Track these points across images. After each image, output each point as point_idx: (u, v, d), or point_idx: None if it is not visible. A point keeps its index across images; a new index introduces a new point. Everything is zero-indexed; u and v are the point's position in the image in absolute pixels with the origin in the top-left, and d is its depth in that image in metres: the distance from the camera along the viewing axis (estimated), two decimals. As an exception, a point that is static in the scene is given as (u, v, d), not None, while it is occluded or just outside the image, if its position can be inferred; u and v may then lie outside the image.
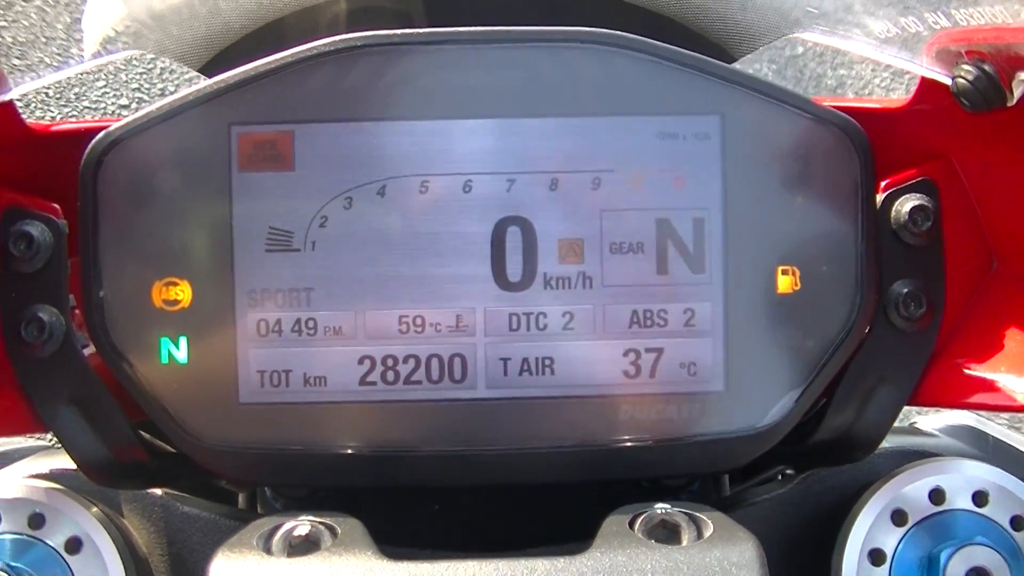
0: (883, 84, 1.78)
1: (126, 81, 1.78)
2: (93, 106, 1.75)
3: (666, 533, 0.60)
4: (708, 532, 0.59)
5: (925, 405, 0.68)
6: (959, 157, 0.67)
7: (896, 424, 0.69)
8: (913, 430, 0.81)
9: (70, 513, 0.67)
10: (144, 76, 1.78)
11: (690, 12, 0.75)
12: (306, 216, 0.64)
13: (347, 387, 0.65)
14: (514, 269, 0.64)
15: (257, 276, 0.65)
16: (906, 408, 0.69)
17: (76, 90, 1.70)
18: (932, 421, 0.86)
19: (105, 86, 1.77)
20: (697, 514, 0.61)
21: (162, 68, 1.79)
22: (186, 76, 1.83)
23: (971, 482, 0.67)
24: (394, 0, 0.76)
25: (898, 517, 0.67)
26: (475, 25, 0.64)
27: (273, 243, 0.64)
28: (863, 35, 0.63)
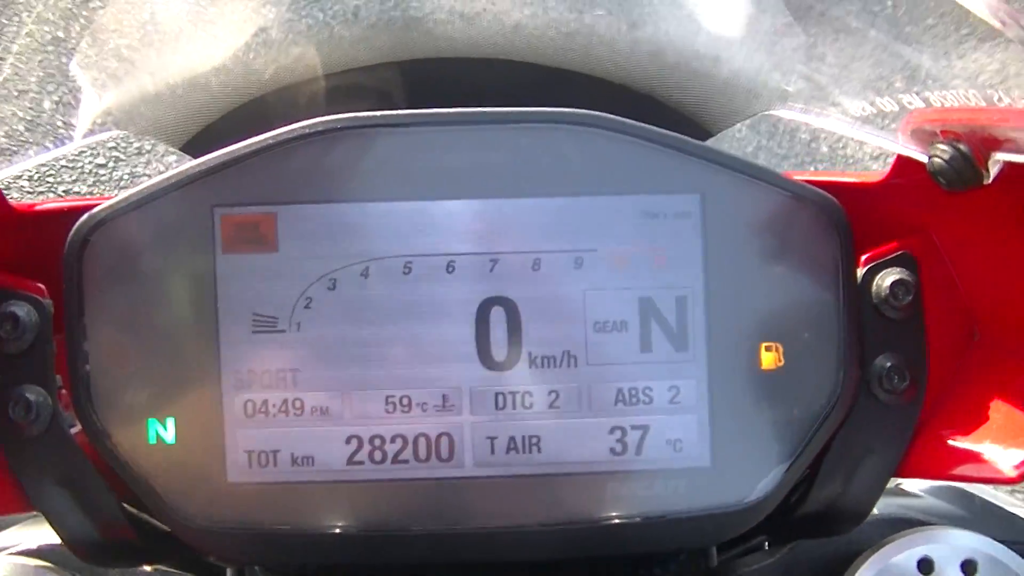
0: (855, 137, 1.78)
1: (103, 140, 1.79)
2: (70, 165, 1.75)
3: None
4: None
5: (911, 477, 0.69)
6: (938, 231, 0.67)
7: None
8: (899, 491, 0.81)
9: (59, 592, 0.67)
10: (120, 135, 1.79)
11: (669, 89, 0.76)
12: (291, 297, 0.64)
13: (335, 467, 0.65)
14: (499, 349, 0.65)
15: (243, 357, 0.65)
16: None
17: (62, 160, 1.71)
18: (918, 482, 0.86)
19: (82, 145, 1.78)
20: None
21: (138, 142, 1.80)
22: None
23: (960, 552, 0.67)
24: (375, 78, 0.77)
25: (888, 588, 0.67)
26: (456, 105, 0.65)
27: (259, 325, 0.65)
28: (839, 114, 0.64)
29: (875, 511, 0.72)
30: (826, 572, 0.71)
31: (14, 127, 0.67)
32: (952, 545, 0.67)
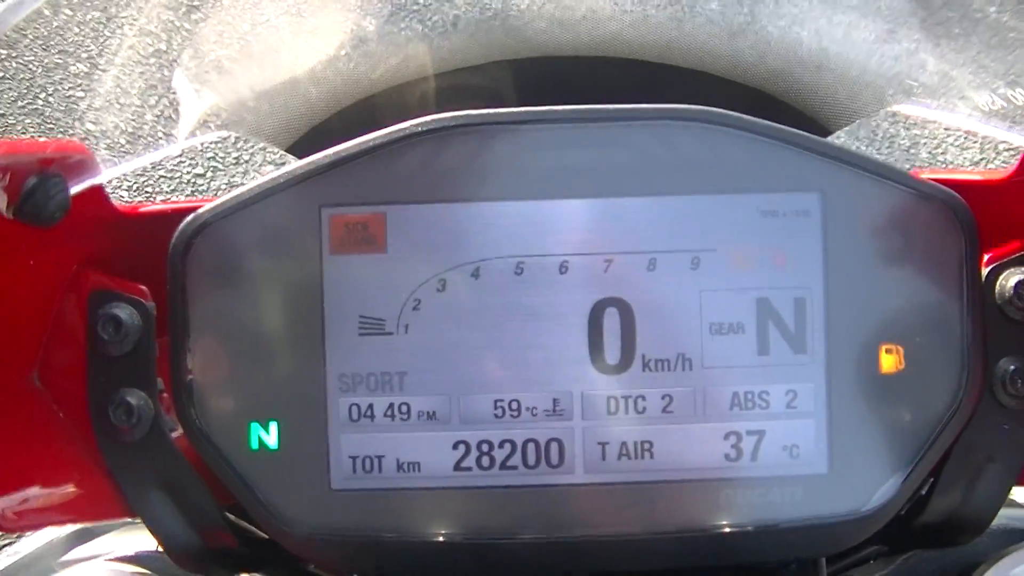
0: (956, 143, 1.76)
1: (201, 150, 1.80)
2: (168, 175, 1.76)
3: None
4: None
5: (1036, 486, 0.66)
6: (1066, 230, 0.65)
7: None
8: (1012, 503, 0.78)
9: (156, 600, 0.66)
10: (219, 145, 1.80)
11: (785, 87, 0.74)
12: (399, 299, 0.63)
13: (441, 473, 0.64)
14: (612, 351, 0.63)
15: (349, 360, 0.64)
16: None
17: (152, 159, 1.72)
18: None
19: (180, 155, 1.79)
20: None
21: (236, 137, 1.81)
22: (260, 146, 1.84)
23: (1082, 563, 0.65)
24: (484, 76, 0.76)
25: (1008, 601, 0.65)
26: (569, 102, 0.63)
27: (365, 326, 0.63)
28: (965, 107, 0.62)
29: (993, 523, 0.69)
30: (944, 584, 0.68)
31: (116, 139, 0.67)
32: (1075, 556, 0.65)
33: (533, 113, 0.63)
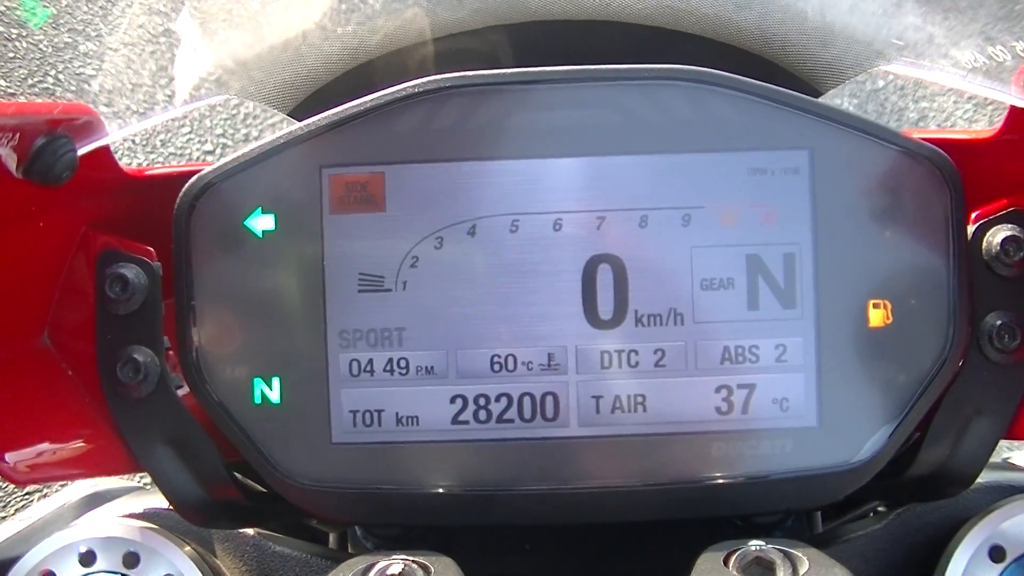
0: (966, 116, 1.76)
1: (210, 127, 1.81)
2: (178, 152, 1.78)
3: (761, 570, 0.59)
4: (804, 569, 0.58)
5: (1023, 439, 0.67)
6: (1052, 187, 0.66)
7: (990, 460, 0.68)
8: (1008, 466, 0.79)
9: (164, 552, 0.68)
10: (228, 122, 1.81)
11: (775, 48, 0.75)
12: (397, 256, 0.65)
13: (439, 426, 0.65)
14: (605, 307, 0.65)
15: (349, 316, 0.65)
16: (1001, 443, 0.68)
17: (161, 136, 1.73)
18: (1026, 455, 0.84)
19: (190, 132, 1.80)
20: (792, 550, 0.60)
21: (246, 114, 1.82)
22: (269, 122, 1.85)
23: (1071, 517, 0.66)
24: (482, 41, 0.77)
25: (996, 553, 0.66)
26: (563, 64, 0.65)
27: (365, 283, 0.65)
28: (949, 66, 0.63)
29: (983, 480, 0.71)
30: (934, 537, 0.70)
31: (128, 120, 0.68)
32: (1063, 510, 0.66)
33: (526, 74, 0.64)
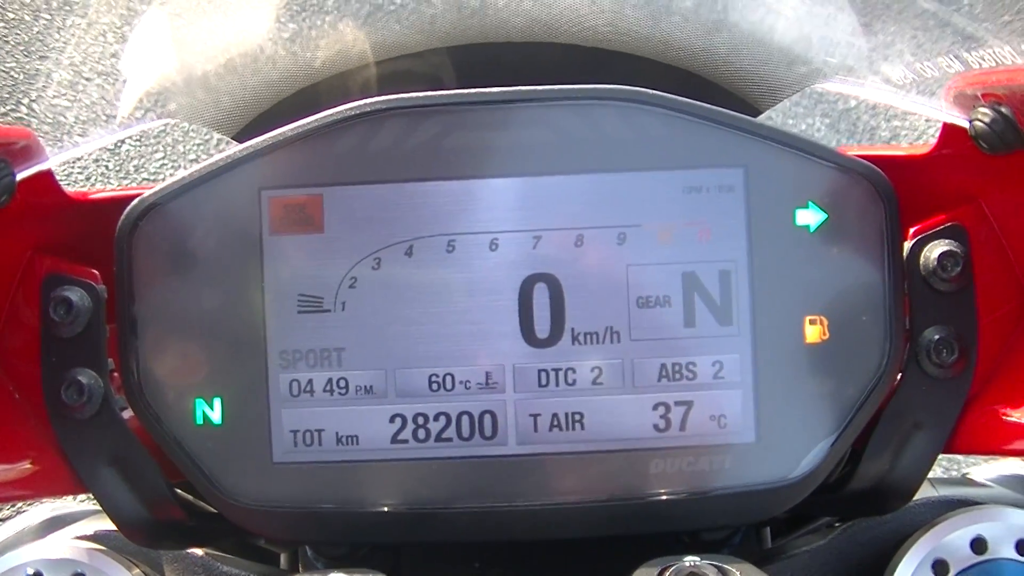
0: (936, 134, 1.77)
1: (183, 152, 1.82)
2: (152, 177, 1.79)
3: None
4: None
5: (962, 453, 0.68)
6: (987, 200, 0.66)
7: (951, 476, 0.68)
8: (964, 481, 0.79)
9: (111, 573, 0.68)
10: (201, 147, 1.82)
11: (714, 68, 0.76)
12: (336, 277, 0.65)
13: (379, 445, 0.66)
14: (542, 325, 0.65)
15: (289, 337, 0.66)
16: (960, 460, 0.68)
17: (135, 162, 1.75)
18: (985, 471, 0.84)
19: (163, 158, 1.81)
20: (726, 566, 0.60)
21: (219, 139, 1.83)
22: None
23: (1014, 530, 0.66)
24: (424, 63, 0.78)
25: (940, 567, 0.65)
26: (503, 85, 0.65)
27: (304, 304, 0.65)
28: (881, 82, 0.64)
29: (933, 494, 0.71)
30: (879, 552, 0.69)
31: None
32: (1006, 524, 0.66)
33: (461, 95, 0.65)
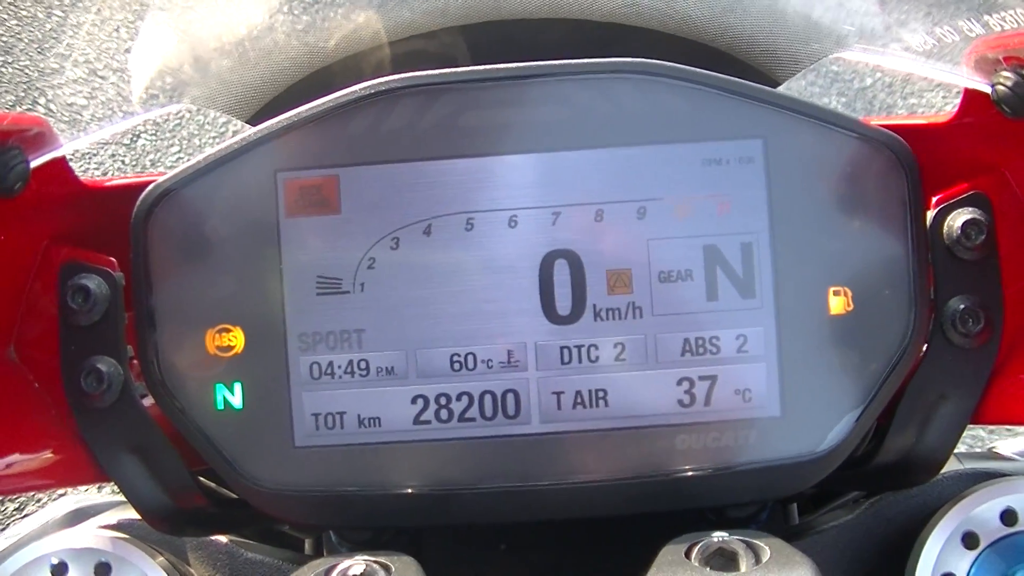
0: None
1: (199, 145, 1.83)
2: (170, 168, 1.80)
3: (723, 561, 0.58)
4: (766, 558, 0.58)
5: (989, 423, 0.67)
6: (1011, 168, 0.65)
7: (976, 450, 0.67)
8: (991, 455, 0.78)
9: (136, 561, 0.68)
10: (217, 140, 1.82)
11: (731, 40, 0.75)
12: (354, 258, 0.65)
13: (401, 427, 0.65)
14: (563, 302, 0.64)
15: (308, 320, 0.65)
16: (986, 433, 0.67)
17: (151, 157, 1.75)
18: (1011, 445, 0.83)
19: (180, 151, 1.81)
20: (755, 541, 0.59)
21: (235, 131, 1.83)
22: None
23: (1043, 501, 0.65)
24: (437, 43, 0.77)
25: (970, 540, 0.65)
26: (517, 62, 0.65)
27: (323, 286, 0.65)
28: (901, 50, 0.63)
29: (960, 467, 0.70)
30: (907, 526, 0.69)
31: (79, 132, 0.69)
32: (1036, 494, 0.65)
33: (476, 72, 0.64)
